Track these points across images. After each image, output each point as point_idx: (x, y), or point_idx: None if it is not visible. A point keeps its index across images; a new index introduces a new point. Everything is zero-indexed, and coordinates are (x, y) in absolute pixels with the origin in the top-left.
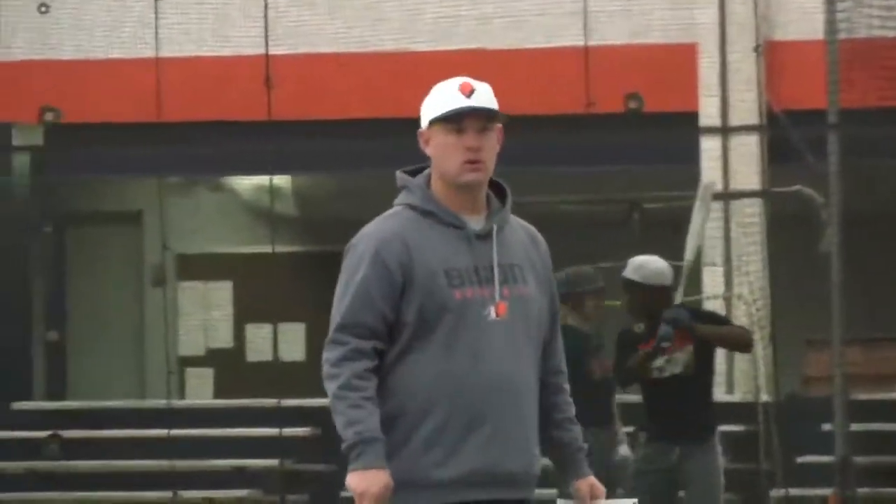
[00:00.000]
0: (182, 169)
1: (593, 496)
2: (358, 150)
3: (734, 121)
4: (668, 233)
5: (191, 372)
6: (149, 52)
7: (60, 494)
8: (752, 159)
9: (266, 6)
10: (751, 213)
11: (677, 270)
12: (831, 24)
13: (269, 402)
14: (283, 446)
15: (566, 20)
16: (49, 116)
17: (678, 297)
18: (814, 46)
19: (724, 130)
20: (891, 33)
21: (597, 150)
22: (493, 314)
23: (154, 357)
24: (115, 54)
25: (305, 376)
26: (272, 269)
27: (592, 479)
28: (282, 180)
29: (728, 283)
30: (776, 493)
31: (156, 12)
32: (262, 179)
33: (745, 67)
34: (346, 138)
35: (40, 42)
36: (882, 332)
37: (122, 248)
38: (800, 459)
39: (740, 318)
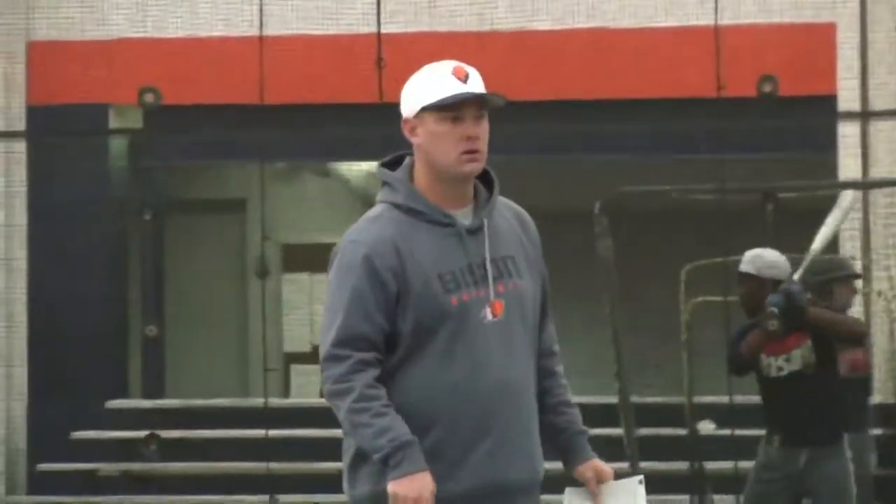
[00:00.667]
0: (287, 154)
1: (599, 480)
2: None
3: (875, 105)
4: (803, 224)
5: (296, 369)
6: (253, 31)
7: (157, 498)
8: (893, 146)
9: None
10: (891, 204)
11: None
12: None
13: None
14: None
15: None
16: (148, 98)
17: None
18: None
19: (864, 115)
20: None
21: (728, 136)
22: (489, 315)
23: (257, 353)
24: (218, 32)
25: None
26: None
27: (597, 461)
28: None
29: (866, 278)
30: None
31: None
32: (371, 165)
33: (887, 48)
34: None
35: (139, 19)
36: None
37: (224, 238)
38: None
39: (879, 314)
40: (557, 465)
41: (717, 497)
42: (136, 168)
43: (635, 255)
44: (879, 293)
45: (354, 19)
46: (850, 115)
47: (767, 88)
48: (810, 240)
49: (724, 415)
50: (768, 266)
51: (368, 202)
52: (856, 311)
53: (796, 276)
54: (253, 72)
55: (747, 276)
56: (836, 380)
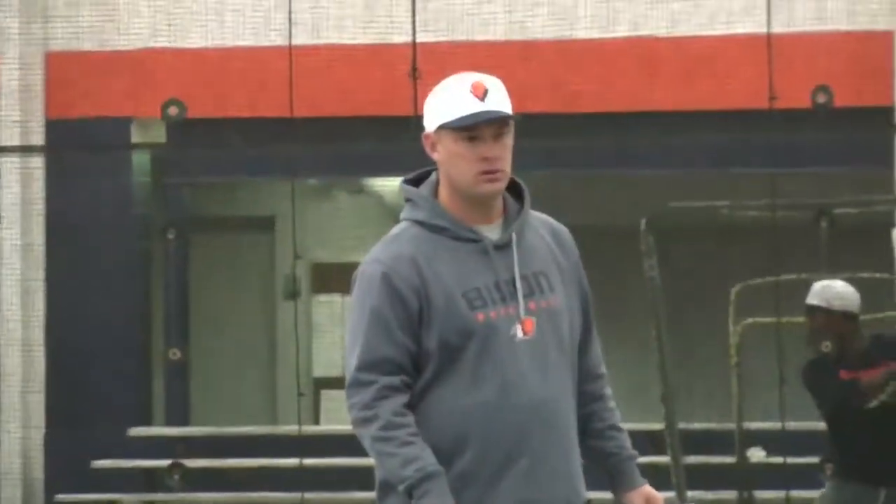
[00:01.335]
0: (318, 170)
1: None
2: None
3: None
4: (859, 241)
5: (326, 394)
6: (282, 40)
7: None
8: None
9: None
10: None
11: (882, 283)
12: None
13: None
14: None
15: (746, 3)
16: (172, 111)
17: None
18: None
19: None
20: None
21: (780, 149)
22: (519, 333)
23: (286, 378)
24: (245, 41)
25: None
26: None
27: (647, 488)
28: None
29: None
30: None
31: None
32: None
33: None
34: None
35: (163, 27)
36: None
37: (252, 257)
38: None
39: None
40: (607, 496)
41: None
42: (160, 184)
43: (682, 274)
44: None
45: (388, 28)
46: None
47: (821, 99)
48: (868, 256)
49: (775, 442)
50: (838, 298)
51: None
52: None
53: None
54: (282, 83)
55: (815, 308)
56: None
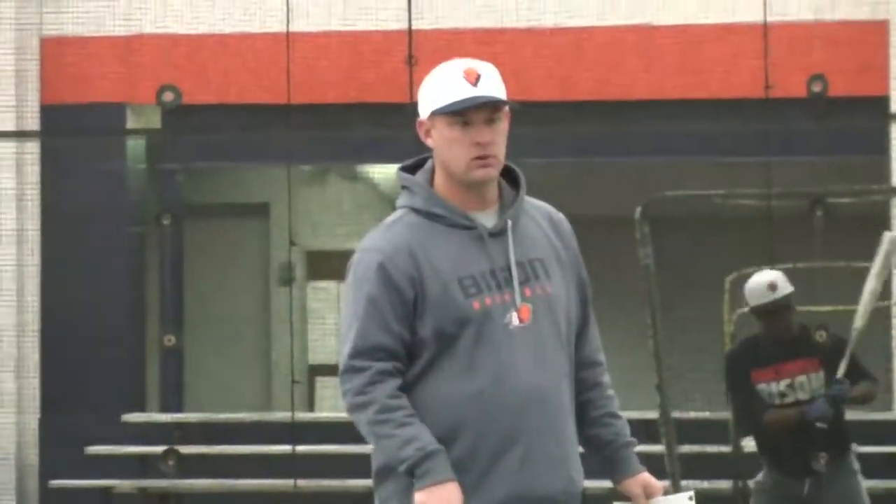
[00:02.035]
0: (313, 156)
1: (648, 495)
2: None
3: None
4: (853, 230)
5: (321, 381)
6: (278, 27)
7: None
8: None
9: None
10: None
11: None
12: None
13: None
14: None
15: None
16: (167, 96)
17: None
18: None
19: None
20: None
21: (776, 138)
22: (515, 321)
23: (281, 365)
24: (241, 28)
25: None
26: None
27: (646, 475)
28: None
29: None
30: None
31: None
32: None
33: None
34: None
35: (158, 13)
36: None
37: (247, 244)
38: None
39: None
40: (605, 483)
41: None
42: (155, 170)
43: (677, 263)
44: None
45: (385, 15)
46: None
47: (817, 88)
48: (861, 245)
49: None
50: (747, 292)
51: None
52: None
53: (840, 373)
54: (278, 70)
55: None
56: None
